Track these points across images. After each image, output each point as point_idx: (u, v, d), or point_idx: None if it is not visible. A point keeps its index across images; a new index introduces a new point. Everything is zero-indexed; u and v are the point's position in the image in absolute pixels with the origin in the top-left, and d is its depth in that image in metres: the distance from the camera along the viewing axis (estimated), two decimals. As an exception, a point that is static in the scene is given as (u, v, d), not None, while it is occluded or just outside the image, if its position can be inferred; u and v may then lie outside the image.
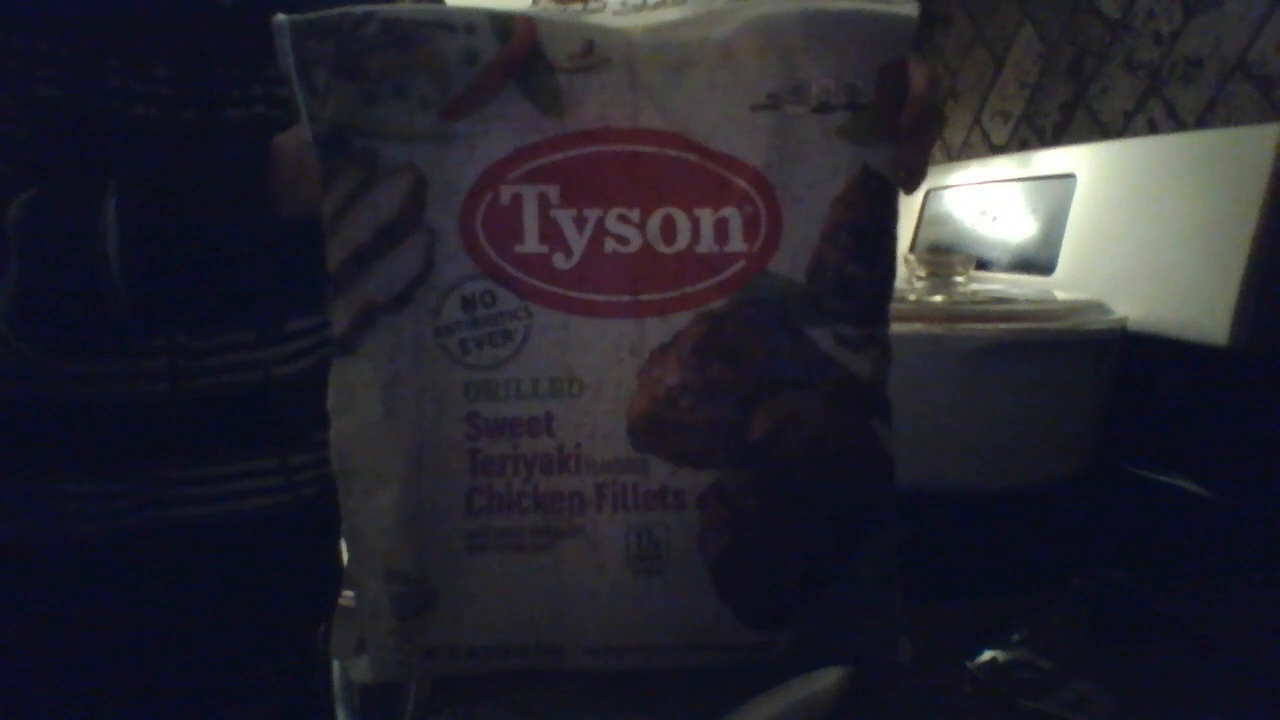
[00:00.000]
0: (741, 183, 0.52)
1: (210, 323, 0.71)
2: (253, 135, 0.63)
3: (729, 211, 0.52)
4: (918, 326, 0.84)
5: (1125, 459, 0.92)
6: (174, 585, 0.73)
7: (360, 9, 0.51)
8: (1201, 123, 0.98)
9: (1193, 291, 0.85)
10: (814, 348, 0.52)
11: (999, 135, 1.33)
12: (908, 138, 0.54)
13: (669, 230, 0.52)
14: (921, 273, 0.95)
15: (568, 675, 0.55)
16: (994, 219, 1.16)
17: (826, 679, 0.54)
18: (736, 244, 0.52)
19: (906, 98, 0.53)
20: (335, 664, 0.91)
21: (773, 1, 0.53)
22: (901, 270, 0.98)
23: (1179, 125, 1.02)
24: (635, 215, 0.52)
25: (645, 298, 0.52)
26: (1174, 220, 0.89)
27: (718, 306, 0.52)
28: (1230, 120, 0.95)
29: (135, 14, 0.67)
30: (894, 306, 0.83)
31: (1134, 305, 0.89)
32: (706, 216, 0.52)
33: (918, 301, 0.90)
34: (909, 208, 1.34)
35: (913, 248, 1.31)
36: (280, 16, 0.50)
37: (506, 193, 0.51)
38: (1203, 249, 0.85)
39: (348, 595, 0.78)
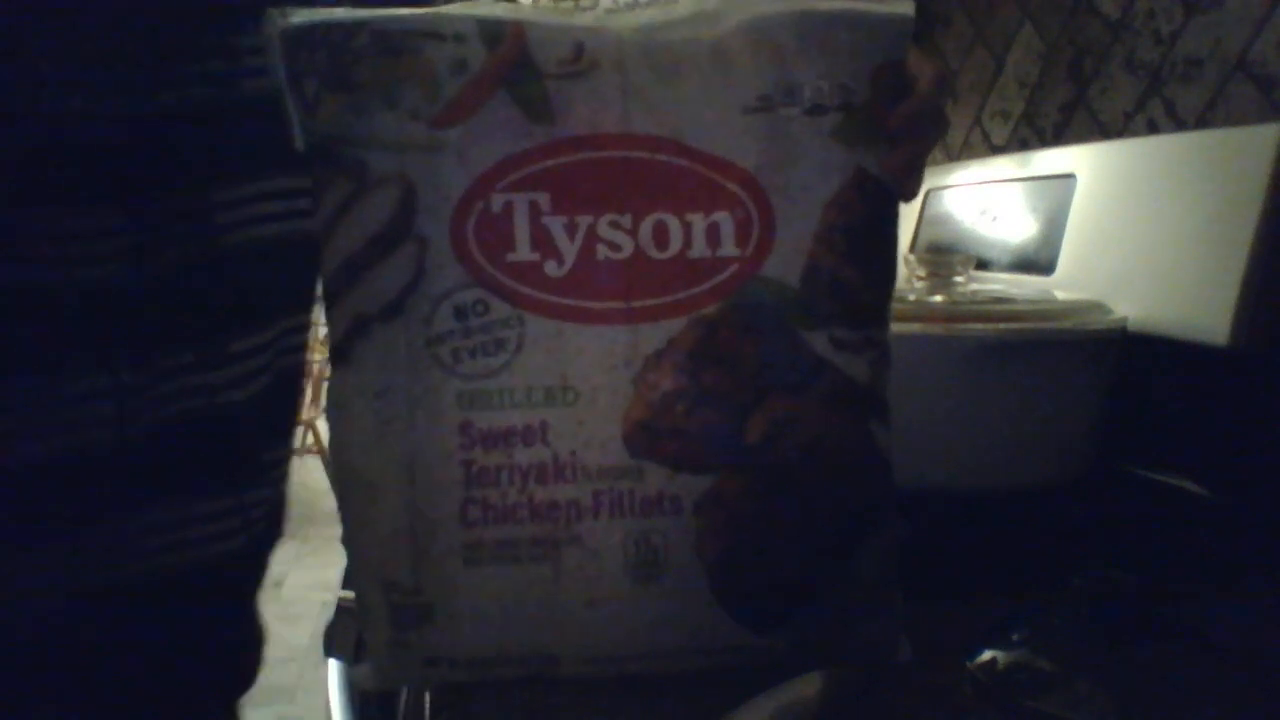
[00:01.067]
0: (733, 186, 0.52)
1: (147, 344, 0.61)
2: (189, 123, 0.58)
3: (721, 216, 0.52)
4: (917, 326, 0.84)
5: (1126, 459, 0.92)
6: (115, 657, 0.64)
7: (350, 18, 0.51)
8: (1202, 123, 0.98)
9: (1193, 291, 0.85)
10: (809, 351, 0.52)
11: (999, 135, 1.33)
12: (901, 137, 0.53)
13: (661, 235, 0.52)
14: (921, 273, 0.95)
15: (567, 679, 0.55)
16: (994, 219, 1.16)
17: (825, 679, 0.54)
18: (729, 248, 0.52)
19: (903, 98, 0.53)
20: (334, 664, 0.91)
21: (765, 2, 0.53)
22: (901, 270, 0.98)
23: (1179, 125, 1.02)
24: (627, 221, 0.52)
25: (638, 304, 0.52)
26: (1174, 220, 0.89)
27: (711, 311, 0.52)
28: (1230, 120, 0.95)
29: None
30: (894, 307, 0.83)
31: (1134, 305, 0.89)
32: (698, 221, 0.52)
33: (917, 301, 0.90)
34: (909, 208, 1.34)
35: (913, 248, 1.31)
36: (272, 24, 0.50)
37: (497, 201, 0.51)
38: (1203, 249, 0.85)
39: (347, 596, 0.78)
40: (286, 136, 0.51)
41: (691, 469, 0.52)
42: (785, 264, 0.52)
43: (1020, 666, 0.58)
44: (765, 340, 0.52)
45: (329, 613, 0.88)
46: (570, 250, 0.51)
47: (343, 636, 0.81)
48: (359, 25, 0.50)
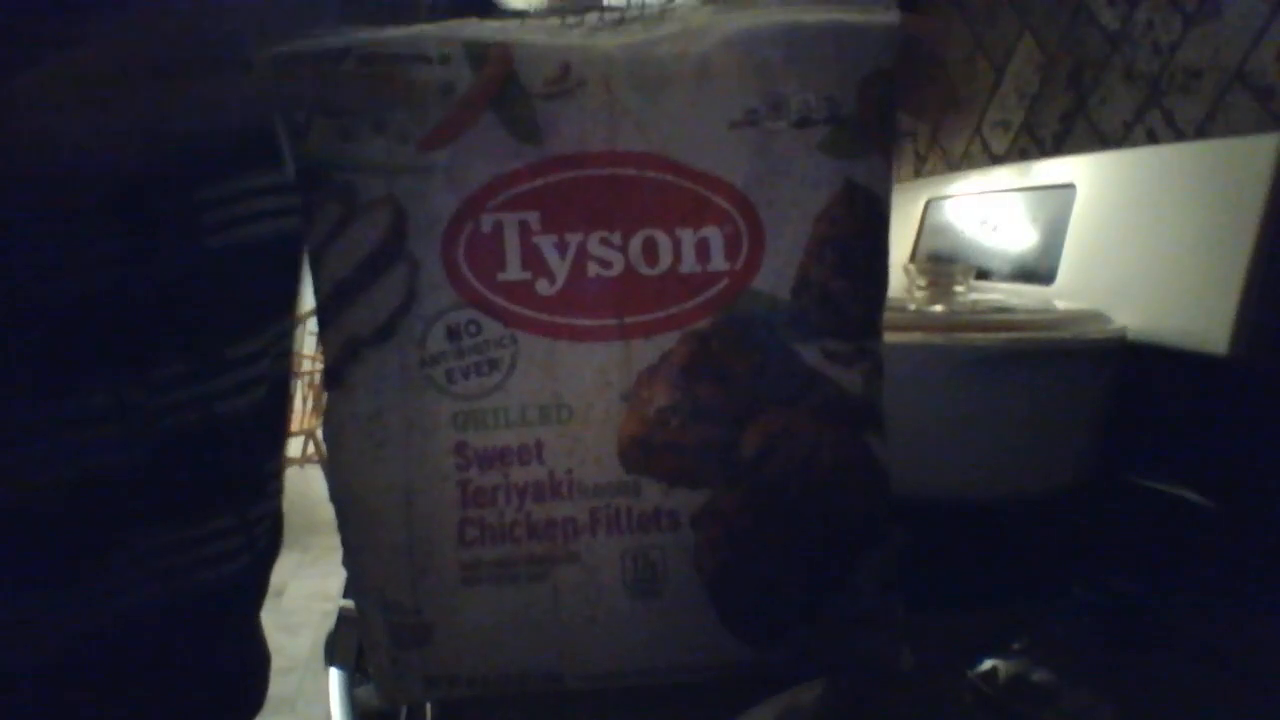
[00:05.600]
0: (722, 201, 0.52)
1: (144, 356, 0.59)
2: None
3: (710, 231, 0.52)
4: (917, 336, 0.84)
5: (1126, 468, 0.93)
6: (125, 692, 0.61)
7: (336, 44, 0.51)
8: (1201, 133, 0.99)
9: (1193, 301, 0.85)
10: (802, 364, 0.52)
11: (999, 145, 1.34)
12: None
13: (651, 252, 0.52)
14: (921, 282, 0.95)
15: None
16: (994, 229, 1.16)
17: (824, 688, 0.54)
18: (719, 263, 0.52)
19: (891, 108, 0.54)
20: (335, 673, 0.91)
21: (750, 15, 0.53)
22: (901, 280, 0.98)
23: (1178, 135, 1.02)
24: (616, 238, 0.51)
25: (630, 320, 0.52)
26: (1174, 230, 0.89)
27: (703, 326, 0.52)
28: (1229, 130, 0.95)
29: None
30: (894, 316, 0.84)
31: (1134, 315, 0.89)
32: (688, 236, 0.52)
33: (917, 311, 0.90)
34: (909, 217, 1.35)
35: (913, 257, 1.31)
36: (261, 54, 0.50)
37: (487, 221, 0.51)
38: (1203, 259, 0.85)
39: (349, 605, 0.78)
40: (270, 133, 0.51)
41: (687, 484, 0.52)
42: (776, 277, 0.52)
43: (1021, 676, 0.58)
44: (758, 354, 0.52)
45: (330, 622, 0.88)
46: (561, 268, 0.51)
47: (344, 646, 0.81)
48: (345, 50, 0.50)
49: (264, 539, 0.69)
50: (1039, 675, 0.58)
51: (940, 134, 1.40)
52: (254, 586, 0.70)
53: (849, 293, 0.53)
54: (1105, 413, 0.89)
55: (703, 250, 0.52)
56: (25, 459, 0.56)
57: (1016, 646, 0.61)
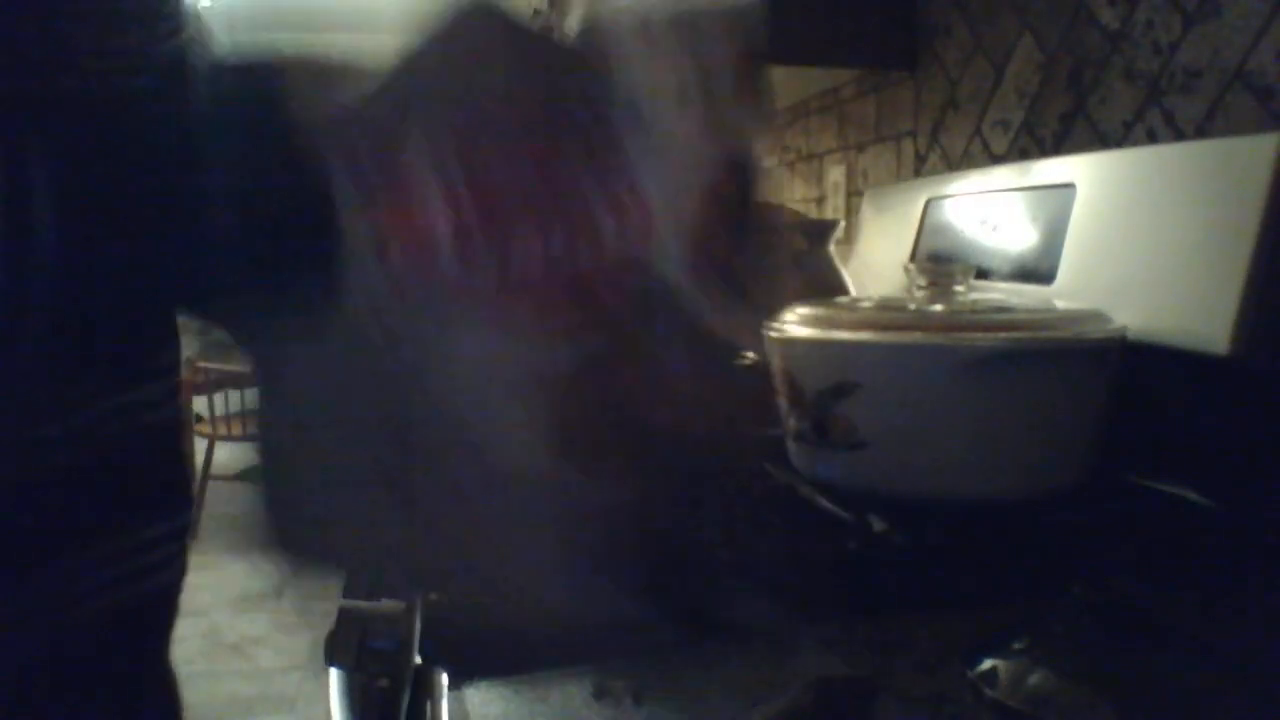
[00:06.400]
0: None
1: (80, 358, 0.55)
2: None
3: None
4: (917, 335, 0.84)
5: (1126, 468, 0.92)
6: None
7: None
8: (1200, 132, 0.99)
9: (1193, 301, 0.85)
10: None
11: (999, 145, 1.33)
12: None
13: None
14: (921, 282, 0.95)
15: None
16: (994, 228, 1.16)
17: (824, 689, 0.54)
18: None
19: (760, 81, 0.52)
20: (335, 672, 0.91)
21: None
22: (902, 279, 0.98)
23: (1178, 135, 1.02)
24: None
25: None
26: (1174, 229, 0.89)
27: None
28: (1229, 130, 0.95)
29: None
30: (894, 316, 0.84)
31: (1134, 314, 0.89)
32: None
33: (917, 311, 0.90)
34: (909, 217, 1.34)
35: (913, 257, 1.31)
36: None
37: None
38: (1203, 258, 0.85)
39: (348, 603, 0.77)
40: None
41: None
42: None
43: (1021, 675, 0.58)
44: None
45: (330, 622, 0.88)
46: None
47: (344, 646, 0.81)
48: None
49: (186, 550, 0.65)
50: (1039, 675, 0.58)
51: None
52: (174, 603, 0.65)
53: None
54: (1105, 413, 0.89)
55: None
56: None
57: (1017, 646, 0.61)
